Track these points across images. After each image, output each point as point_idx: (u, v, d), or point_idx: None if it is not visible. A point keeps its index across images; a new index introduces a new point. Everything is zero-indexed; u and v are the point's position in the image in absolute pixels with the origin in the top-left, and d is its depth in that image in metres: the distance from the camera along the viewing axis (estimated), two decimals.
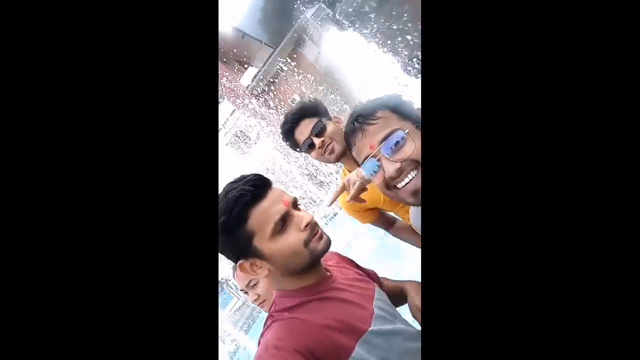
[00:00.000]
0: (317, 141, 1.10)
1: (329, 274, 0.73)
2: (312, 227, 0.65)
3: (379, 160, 0.64)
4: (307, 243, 0.64)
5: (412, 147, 0.62)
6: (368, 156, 0.65)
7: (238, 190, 0.62)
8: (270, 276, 0.66)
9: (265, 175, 0.67)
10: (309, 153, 1.15)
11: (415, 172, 0.62)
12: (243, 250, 0.63)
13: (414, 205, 0.72)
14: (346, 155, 1.12)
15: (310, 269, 0.68)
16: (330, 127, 1.11)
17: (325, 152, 1.11)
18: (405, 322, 0.74)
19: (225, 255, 0.66)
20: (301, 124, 1.12)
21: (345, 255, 0.90)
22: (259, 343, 0.63)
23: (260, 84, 9.20)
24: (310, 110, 1.13)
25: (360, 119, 0.66)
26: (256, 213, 0.62)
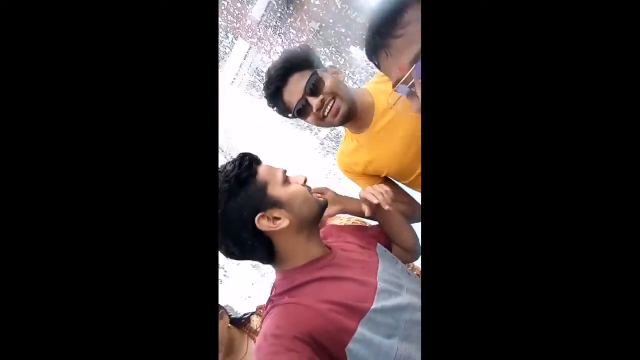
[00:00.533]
0: (314, 101, 0.86)
1: (329, 250, 0.72)
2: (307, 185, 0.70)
3: (411, 86, 0.53)
4: (310, 192, 0.69)
5: None
6: (399, 81, 0.54)
7: (238, 157, 0.66)
8: (287, 230, 0.65)
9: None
10: (304, 118, 0.91)
11: None
12: (259, 201, 0.64)
13: None
14: (352, 116, 0.92)
15: (314, 233, 0.70)
16: (328, 81, 0.87)
17: (325, 114, 0.87)
18: (412, 291, 0.71)
19: (242, 219, 0.64)
20: (290, 81, 0.86)
21: (342, 225, 0.87)
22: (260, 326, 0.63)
23: (274, 13, 8.39)
24: (299, 62, 0.87)
25: (381, 33, 0.53)
26: (261, 169, 0.67)
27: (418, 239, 0.91)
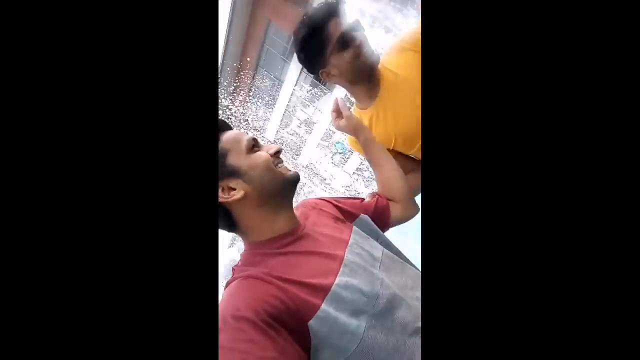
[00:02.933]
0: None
1: (298, 223, 0.70)
2: (278, 157, 0.68)
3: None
4: (276, 165, 0.66)
5: None
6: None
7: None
8: (246, 202, 0.64)
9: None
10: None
11: None
12: (220, 168, 0.64)
13: None
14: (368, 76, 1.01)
15: (282, 207, 0.67)
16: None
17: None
18: (386, 266, 0.67)
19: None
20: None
21: (329, 197, 0.84)
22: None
23: None
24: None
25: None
26: (226, 136, 0.66)
27: (411, 190, 0.91)
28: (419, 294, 0.65)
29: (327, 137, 9.58)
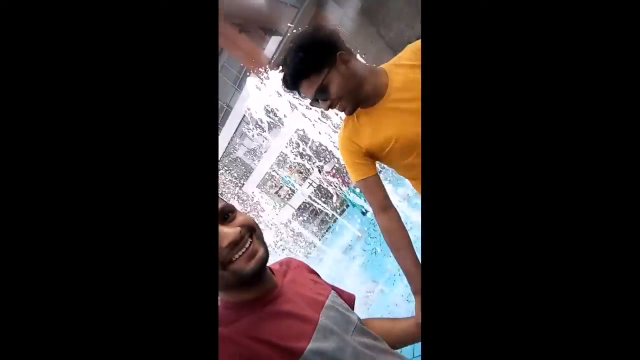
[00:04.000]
0: (323, 104, 0.98)
1: (274, 283, 0.65)
2: (235, 246, 0.57)
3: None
4: (225, 265, 0.57)
5: None
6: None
7: None
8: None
9: None
10: (320, 107, 1.02)
11: None
12: None
13: None
14: (361, 104, 1.01)
15: (250, 285, 0.61)
16: (334, 85, 0.94)
17: (337, 107, 1.00)
18: (361, 332, 0.67)
19: None
20: (301, 86, 0.96)
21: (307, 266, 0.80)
22: None
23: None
24: (307, 65, 0.93)
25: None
26: None
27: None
28: None
29: (276, 165, 9.50)
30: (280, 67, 0.97)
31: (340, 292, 0.78)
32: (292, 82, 0.96)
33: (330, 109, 1.00)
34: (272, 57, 8.14)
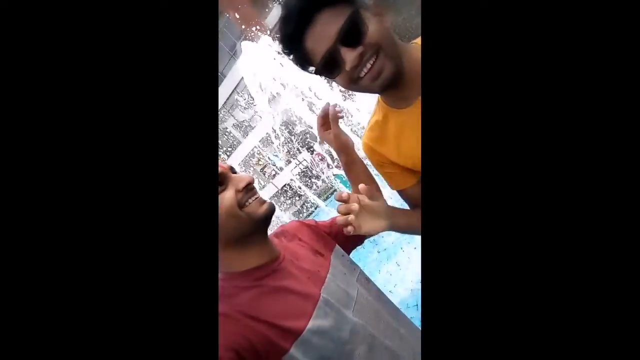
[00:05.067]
0: (349, 54, 0.56)
1: (277, 254, 0.65)
2: (250, 190, 0.62)
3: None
4: (242, 205, 0.60)
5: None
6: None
7: None
8: None
9: None
10: (331, 76, 0.62)
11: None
12: None
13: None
14: (397, 83, 0.63)
15: (255, 242, 0.63)
16: (373, 26, 0.57)
17: (362, 74, 0.59)
18: (362, 306, 0.66)
19: None
20: (318, 20, 0.56)
21: (307, 221, 0.81)
22: None
23: None
24: None
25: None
26: None
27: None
28: (389, 341, 0.66)
29: (263, 143, 9.19)
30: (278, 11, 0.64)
31: (345, 242, 0.77)
32: (304, 13, 0.57)
33: (355, 69, 0.59)
34: (273, 27, 7.72)
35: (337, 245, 0.77)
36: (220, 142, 9.87)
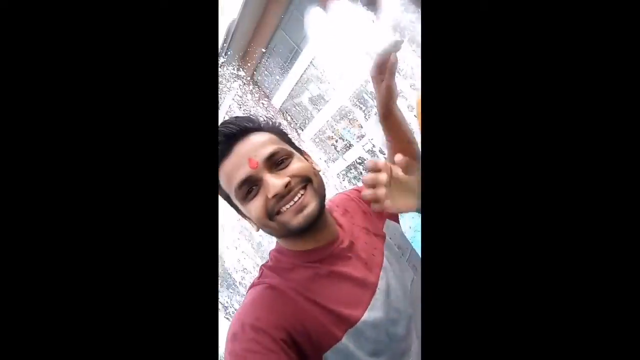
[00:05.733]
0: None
1: (335, 235, 0.61)
2: (282, 198, 0.53)
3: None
4: (272, 215, 0.54)
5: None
6: None
7: (223, 128, 0.55)
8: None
9: (240, 123, 0.54)
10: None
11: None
12: (231, 202, 0.58)
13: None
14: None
15: (309, 234, 0.57)
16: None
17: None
18: (417, 294, 0.61)
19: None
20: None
21: (350, 193, 0.73)
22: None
23: None
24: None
25: None
26: (223, 173, 0.54)
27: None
28: None
29: (336, 118, 9.13)
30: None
31: (394, 219, 0.72)
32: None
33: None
34: None
35: (387, 219, 0.70)
36: (292, 117, 10.04)
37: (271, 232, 0.56)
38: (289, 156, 0.56)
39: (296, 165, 0.55)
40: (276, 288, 0.54)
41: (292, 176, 0.54)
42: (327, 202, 0.69)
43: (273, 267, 0.59)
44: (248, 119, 0.56)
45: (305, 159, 0.60)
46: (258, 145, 0.54)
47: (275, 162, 0.55)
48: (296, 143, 0.64)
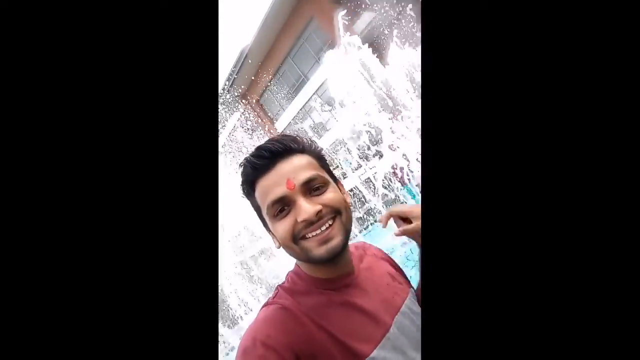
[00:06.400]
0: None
1: (352, 268, 0.60)
2: (310, 225, 0.53)
3: None
4: (297, 239, 0.53)
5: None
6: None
7: (244, 160, 0.58)
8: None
9: (286, 142, 0.55)
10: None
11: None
12: (261, 216, 0.59)
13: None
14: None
15: (323, 265, 0.56)
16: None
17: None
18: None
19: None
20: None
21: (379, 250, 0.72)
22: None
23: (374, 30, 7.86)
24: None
25: None
26: (260, 186, 0.55)
27: None
28: None
29: (334, 147, 9.36)
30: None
31: (418, 292, 0.70)
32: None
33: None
34: (361, 32, 7.83)
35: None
36: None
37: (292, 254, 0.56)
38: (325, 184, 0.56)
39: (330, 195, 0.55)
40: (289, 310, 0.54)
41: (325, 205, 0.54)
42: (359, 242, 0.72)
43: (289, 288, 0.59)
44: (293, 139, 0.57)
45: (340, 189, 0.59)
46: (298, 168, 0.54)
47: (311, 188, 0.54)
48: None
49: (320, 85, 9.02)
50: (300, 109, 9.91)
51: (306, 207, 0.52)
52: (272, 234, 0.58)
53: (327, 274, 0.58)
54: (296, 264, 0.60)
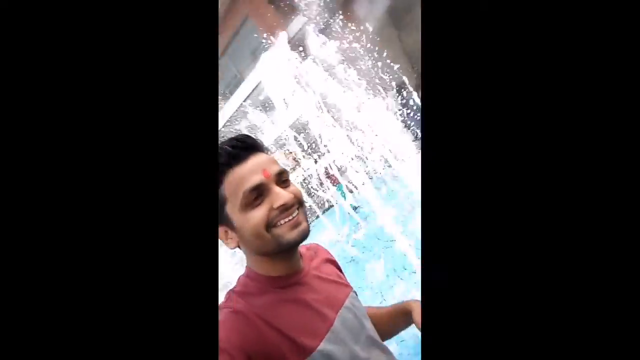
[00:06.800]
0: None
1: (301, 267, 0.65)
2: (285, 210, 0.58)
3: None
4: (269, 227, 0.57)
5: None
6: None
7: (221, 148, 0.59)
8: (244, 248, 0.62)
9: (255, 139, 0.61)
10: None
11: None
12: (220, 212, 0.59)
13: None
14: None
15: (283, 258, 0.62)
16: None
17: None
18: (372, 342, 0.65)
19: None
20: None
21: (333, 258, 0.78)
22: None
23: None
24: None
25: None
26: (231, 177, 0.58)
27: None
28: None
29: (273, 146, 9.26)
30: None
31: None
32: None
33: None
34: (293, 37, 7.83)
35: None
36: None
37: (259, 246, 0.59)
38: (288, 179, 0.62)
39: (294, 187, 0.61)
40: (240, 312, 0.56)
41: (294, 194, 0.59)
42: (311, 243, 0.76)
43: (240, 292, 0.62)
44: (260, 141, 0.63)
45: None
46: (271, 162, 0.60)
47: (282, 180, 0.60)
48: None
49: (256, 86, 8.88)
50: (236, 111, 9.66)
51: (283, 193, 0.58)
52: (233, 230, 0.59)
53: (278, 271, 0.61)
54: (247, 266, 0.63)
